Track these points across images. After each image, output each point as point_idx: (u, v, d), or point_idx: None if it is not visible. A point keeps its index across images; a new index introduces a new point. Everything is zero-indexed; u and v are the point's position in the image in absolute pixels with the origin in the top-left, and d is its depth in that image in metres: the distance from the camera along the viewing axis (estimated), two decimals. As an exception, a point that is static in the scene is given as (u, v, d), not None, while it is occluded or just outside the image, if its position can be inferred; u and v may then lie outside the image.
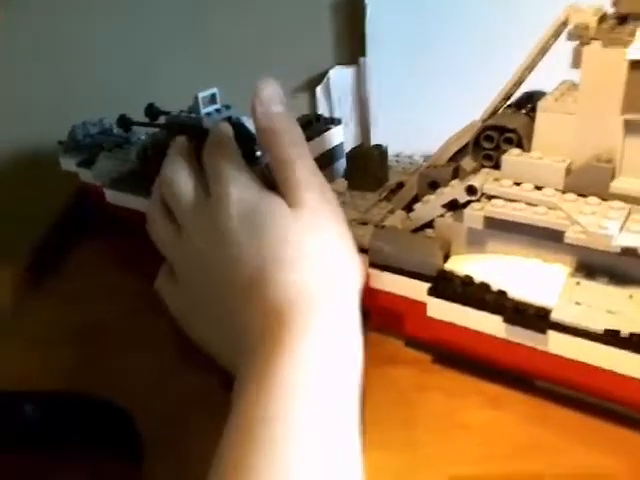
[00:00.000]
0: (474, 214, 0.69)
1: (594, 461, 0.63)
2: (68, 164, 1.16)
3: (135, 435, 0.65)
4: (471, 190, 0.70)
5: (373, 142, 1.28)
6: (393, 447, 0.67)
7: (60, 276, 1.04)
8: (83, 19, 1.27)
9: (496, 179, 0.70)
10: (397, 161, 0.97)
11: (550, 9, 0.69)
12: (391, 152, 1.05)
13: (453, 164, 0.77)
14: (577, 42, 0.64)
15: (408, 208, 0.81)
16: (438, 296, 0.71)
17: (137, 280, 0.98)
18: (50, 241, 1.10)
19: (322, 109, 1.29)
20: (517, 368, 0.69)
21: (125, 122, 1.14)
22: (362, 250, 0.78)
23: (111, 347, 0.85)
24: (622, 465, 0.62)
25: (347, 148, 0.99)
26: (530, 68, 0.72)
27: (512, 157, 0.69)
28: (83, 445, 0.70)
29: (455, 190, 0.72)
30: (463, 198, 0.71)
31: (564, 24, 0.67)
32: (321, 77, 1.28)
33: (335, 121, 0.96)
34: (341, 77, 1.27)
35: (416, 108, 1.21)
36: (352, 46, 1.26)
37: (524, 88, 0.77)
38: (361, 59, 1.23)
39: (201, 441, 0.68)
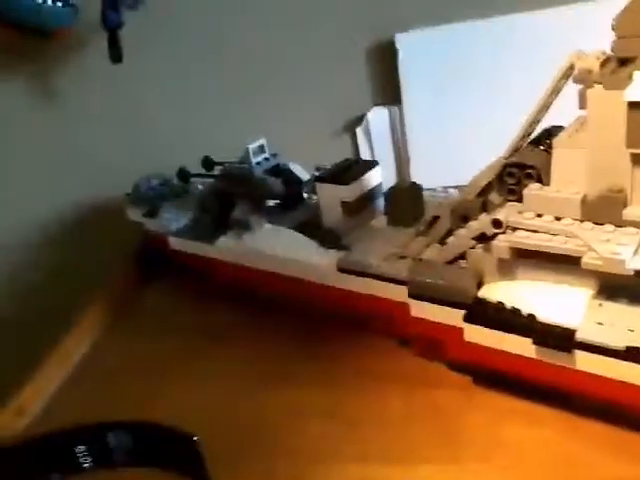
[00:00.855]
0: (501, 245, 0.76)
1: (625, 472, 0.68)
2: (134, 214, 1.28)
3: (200, 459, 0.74)
4: (497, 223, 0.77)
5: (412, 176, 1.36)
6: (441, 462, 0.73)
7: (132, 316, 1.15)
8: (144, 86, 1.40)
9: (519, 212, 0.76)
10: (433, 196, 1.04)
11: (560, 54, 0.76)
12: (427, 186, 1.12)
13: (481, 198, 0.84)
14: (582, 86, 0.70)
15: (443, 241, 0.87)
16: (474, 322, 0.78)
17: (199, 317, 1.09)
18: (122, 285, 1.21)
19: (363, 148, 1.38)
20: (548, 385, 0.74)
21: (184, 174, 1.25)
22: (401, 282, 0.86)
23: (176, 379, 0.94)
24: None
25: (387, 184, 1.07)
26: (545, 107, 0.79)
27: (533, 192, 0.75)
28: (159, 468, 0.79)
29: (483, 224, 0.79)
30: (490, 231, 0.78)
31: (571, 68, 0.74)
32: (360, 119, 1.37)
33: (373, 163, 1.04)
34: (379, 117, 1.36)
35: (448, 144, 1.28)
36: (388, 87, 1.34)
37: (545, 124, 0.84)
38: (399, 99, 1.31)
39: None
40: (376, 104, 1.36)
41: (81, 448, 0.80)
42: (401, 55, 1.27)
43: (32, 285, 1.42)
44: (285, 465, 0.76)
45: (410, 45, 1.27)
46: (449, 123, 1.31)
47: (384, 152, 1.38)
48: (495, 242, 0.76)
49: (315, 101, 1.37)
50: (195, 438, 0.74)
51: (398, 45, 1.27)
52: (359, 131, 1.37)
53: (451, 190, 1.05)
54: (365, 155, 1.38)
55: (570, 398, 0.75)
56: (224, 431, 0.82)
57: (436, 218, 0.94)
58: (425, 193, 1.04)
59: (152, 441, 0.79)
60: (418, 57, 1.27)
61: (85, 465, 0.80)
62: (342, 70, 1.36)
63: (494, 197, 0.83)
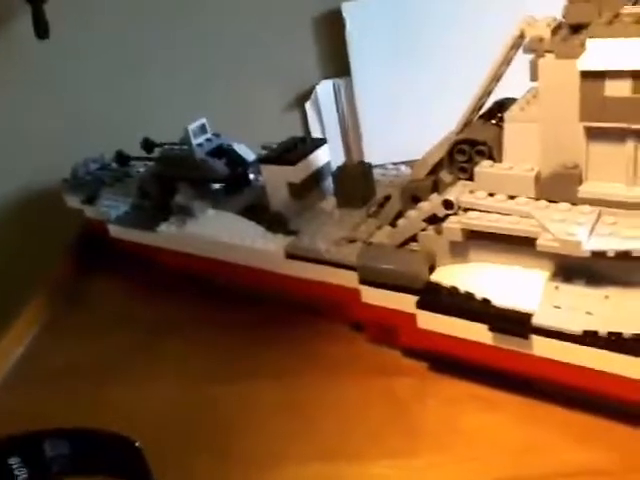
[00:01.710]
0: (452, 227, 0.72)
1: (588, 458, 0.65)
2: (73, 201, 1.21)
3: (144, 464, 0.69)
4: (448, 204, 0.73)
5: (365, 151, 1.31)
6: (397, 457, 0.70)
7: (73, 310, 1.08)
8: (78, 63, 1.31)
9: (471, 191, 0.72)
10: (384, 174, 0.99)
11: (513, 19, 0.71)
12: (380, 160, 1.08)
13: (432, 177, 0.79)
14: (533, 55, 0.66)
15: (394, 223, 0.83)
16: (426, 308, 0.74)
17: (145, 311, 1.04)
18: (62, 279, 1.15)
19: (313, 123, 1.32)
20: (506, 371, 0.71)
21: (122, 157, 1.19)
22: (351, 268, 0.82)
23: (122, 378, 0.88)
24: (614, 458, 0.65)
25: (338, 160, 1.02)
26: (495, 79, 0.75)
27: (484, 169, 0.71)
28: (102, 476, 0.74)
29: (434, 205, 0.75)
30: (441, 212, 0.74)
31: (521, 36, 0.69)
32: (309, 93, 1.31)
33: (321, 141, 0.99)
34: (329, 91, 1.30)
35: (401, 117, 1.23)
36: (337, 59, 1.28)
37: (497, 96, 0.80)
38: (348, 71, 1.26)
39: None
40: (325, 77, 1.30)
41: (15, 460, 0.74)
42: (348, 25, 1.22)
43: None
44: (239, 467, 0.72)
45: (358, 14, 1.21)
46: (401, 95, 1.26)
47: (335, 127, 1.33)
48: (446, 224, 0.73)
49: (260, 76, 1.30)
50: (137, 444, 0.69)
51: (345, 14, 1.21)
52: (308, 106, 1.31)
53: (403, 167, 1.01)
54: (315, 131, 1.33)
55: (529, 383, 0.72)
56: (174, 433, 0.77)
57: (387, 198, 0.90)
58: (376, 171, 0.99)
59: (92, 448, 0.73)
60: (366, 27, 1.21)
61: (20, 478, 0.75)
62: (288, 42, 1.29)
63: (445, 175, 0.79)
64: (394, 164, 1.05)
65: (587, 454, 0.66)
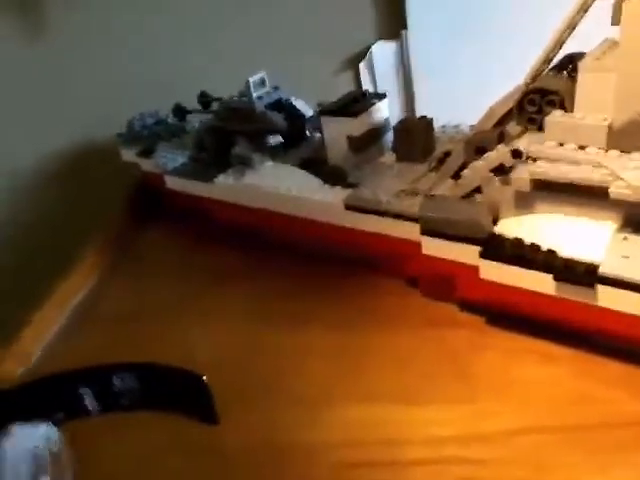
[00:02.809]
0: (521, 177, 0.72)
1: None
2: (128, 155, 1.23)
3: (209, 398, 0.71)
4: (516, 153, 0.72)
5: (418, 114, 1.30)
6: (448, 402, 0.71)
7: (132, 259, 1.11)
8: (134, 16, 1.32)
9: (540, 141, 0.72)
10: (444, 131, 0.99)
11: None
12: (437, 123, 1.07)
13: (499, 129, 0.79)
14: None
15: (456, 176, 0.83)
16: (490, 258, 0.74)
17: (201, 259, 1.06)
18: (120, 228, 1.17)
19: (366, 84, 1.32)
20: (570, 324, 0.71)
21: (180, 111, 1.20)
22: (413, 219, 0.82)
23: (180, 321, 0.91)
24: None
25: (393, 121, 1.01)
26: (570, 28, 0.73)
27: (555, 119, 0.71)
28: (166, 410, 0.77)
29: (501, 154, 0.74)
30: (509, 162, 0.73)
31: (601, -18, 0.68)
32: (364, 53, 1.30)
33: (380, 96, 0.98)
34: (384, 52, 1.29)
35: (458, 79, 1.22)
36: (393, 20, 1.27)
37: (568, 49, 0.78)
38: (403, 32, 1.25)
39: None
40: (381, 38, 1.29)
41: (85, 390, 0.77)
42: (407, -16, 1.20)
43: (29, 227, 1.37)
44: (290, 407, 0.74)
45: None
46: (458, 60, 1.25)
47: (390, 89, 1.32)
48: (514, 174, 0.72)
49: (315, 35, 1.30)
50: (203, 377, 0.71)
51: (404, -28, 1.20)
52: (362, 67, 1.31)
53: (463, 126, 1.00)
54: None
55: (587, 337, 0.72)
56: (230, 372, 0.79)
57: (447, 154, 0.89)
58: (436, 128, 0.99)
59: (158, 382, 0.76)
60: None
61: (90, 407, 0.78)
62: (343, 3, 1.28)
63: (512, 128, 0.78)
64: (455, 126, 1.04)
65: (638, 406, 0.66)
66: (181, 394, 0.74)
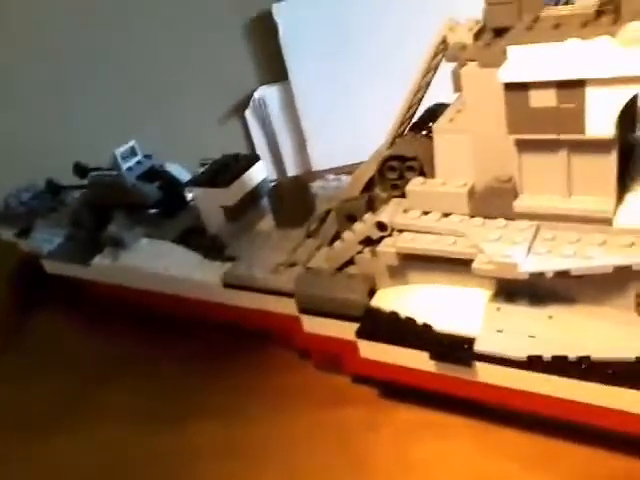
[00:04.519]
0: (387, 251, 0.68)
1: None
2: (6, 234, 1.15)
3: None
4: (381, 226, 0.68)
5: (310, 155, 1.27)
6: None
7: (13, 354, 1.02)
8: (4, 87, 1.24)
9: (405, 210, 0.68)
10: (324, 187, 0.95)
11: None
12: (327, 165, 1.03)
13: (366, 195, 0.75)
14: (455, 64, 0.62)
15: (332, 244, 0.79)
16: (366, 337, 0.70)
17: (85, 351, 0.98)
18: (2, 311, 1.09)
19: (254, 131, 1.27)
20: (453, 398, 0.67)
21: (53, 187, 1.13)
22: (291, 295, 0.77)
23: (56, 431, 0.83)
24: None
25: (282, 169, 0.97)
26: (421, 88, 0.70)
27: (415, 187, 0.67)
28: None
29: (367, 227, 0.70)
30: (375, 235, 0.69)
31: (443, 42, 0.65)
32: (248, 100, 1.25)
33: (254, 158, 0.94)
34: (268, 97, 1.25)
35: (344, 118, 1.19)
36: (273, 63, 1.23)
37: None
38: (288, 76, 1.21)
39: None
40: (263, 83, 1.24)
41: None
42: (281, 27, 1.16)
43: None
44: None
45: (289, 15, 1.15)
46: (343, 96, 1.21)
47: (279, 133, 1.28)
48: (380, 247, 0.68)
49: (195, 88, 1.24)
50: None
51: (276, 16, 1.15)
52: (248, 114, 1.26)
53: (344, 177, 0.96)
54: (258, 138, 1.27)
55: (482, 406, 0.68)
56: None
57: (328, 212, 0.85)
58: (315, 184, 0.95)
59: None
60: (299, 27, 1.16)
61: None
62: (221, 50, 1.24)
63: (380, 192, 0.74)
64: (336, 174, 1.00)
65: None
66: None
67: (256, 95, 1.24)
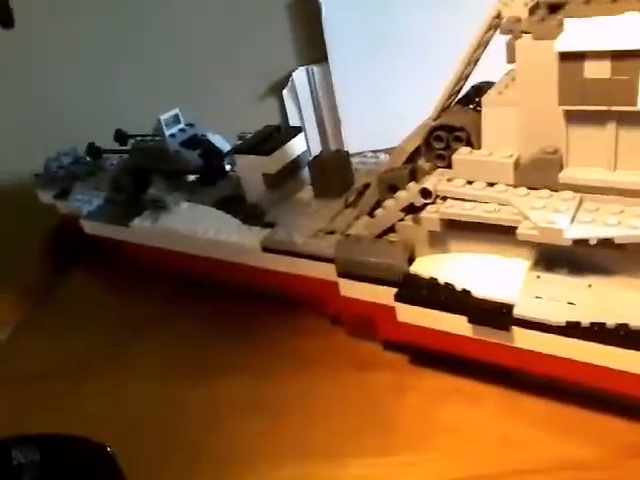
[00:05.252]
0: (430, 217, 0.70)
1: (568, 451, 0.63)
2: (45, 197, 1.18)
3: (117, 470, 0.66)
4: (425, 193, 0.70)
5: (344, 138, 1.29)
6: (373, 455, 0.68)
7: (51, 310, 1.05)
8: (46, 54, 1.26)
9: (449, 179, 0.70)
10: (363, 162, 0.97)
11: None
12: (360, 148, 1.05)
13: (410, 165, 0.77)
14: (510, 36, 0.63)
15: (372, 213, 0.81)
16: (405, 301, 0.72)
17: (119, 309, 1.01)
18: (35, 276, 1.11)
19: (291, 111, 1.29)
20: (488, 364, 0.69)
21: (94, 150, 1.15)
22: (329, 260, 0.79)
23: (93, 381, 0.86)
24: (595, 451, 0.63)
25: (318, 147, 0.99)
26: (471, 63, 0.72)
27: (462, 156, 0.69)
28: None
29: (411, 194, 0.72)
30: (419, 202, 0.71)
31: (498, 17, 0.67)
32: (286, 80, 1.27)
33: (296, 130, 0.96)
34: (306, 78, 1.27)
35: (381, 103, 1.20)
36: (314, 46, 1.25)
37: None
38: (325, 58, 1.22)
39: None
40: (302, 64, 1.26)
41: (-18, 467, 0.72)
42: (324, 9, 1.18)
43: None
44: (211, 469, 0.70)
45: (333, -1, 1.17)
46: (381, 80, 1.23)
47: (313, 114, 1.30)
48: (424, 214, 0.70)
49: (236, 65, 1.27)
50: (109, 449, 0.67)
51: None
52: (286, 93, 1.28)
53: (382, 155, 0.98)
54: (293, 118, 1.29)
55: (511, 374, 0.70)
56: (147, 434, 0.75)
57: (367, 186, 0.87)
58: (355, 160, 0.97)
59: (62, 455, 0.71)
60: (343, 10, 1.18)
61: (-10, 486, 0.72)
62: (263, 30, 1.26)
63: (424, 163, 0.76)
64: (373, 152, 1.02)
65: (567, 447, 0.64)
66: (87, 467, 0.69)
67: (294, 75, 1.26)
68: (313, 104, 1.28)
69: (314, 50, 1.24)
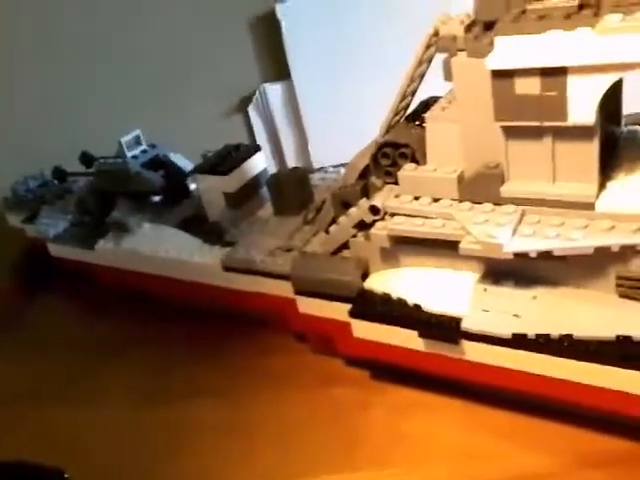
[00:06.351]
0: (379, 234, 0.70)
1: (529, 461, 0.64)
2: (14, 220, 1.19)
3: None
4: (374, 210, 0.71)
5: (311, 153, 1.29)
6: (339, 470, 0.69)
7: (17, 334, 1.05)
8: (12, 80, 1.27)
9: (397, 196, 0.71)
10: (323, 178, 0.98)
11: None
12: (327, 162, 1.06)
13: (362, 182, 0.78)
14: (446, 54, 0.65)
15: (328, 230, 0.81)
16: (359, 317, 0.73)
17: (86, 332, 1.01)
18: (5, 299, 1.12)
19: (257, 127, 1.30)
20: (442, 377, 0.70)
21: (60, 173, 1.16)
22: (287, 277, 0.80)
23: (56, 406, 0.86)
24: (555, 461, 0.64)
25: (284, 165, 0.99)
26: (415, 79, 0.73)
27: (407, 173, 0.70)
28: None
29: (361, 211, 0.73)
30: (369, 218, 0.72)
31: (436, 35, 0.68)
32: (251, 97, 1.28)
33: (255, 148, 0.97)
34: (271, 94, 1.28)
35: (346, 117, 1.21)
36: (276, 62, 1.26)
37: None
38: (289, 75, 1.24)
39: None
40: (266, 81, 1.27)
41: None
42: (284, 26, 1.19)
43: None
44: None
45: (293, 14, 1.18)
46: (343, 95, 1.24)
47: (281, 131, 1.31)
48: (373, 230, 0.71)
49: (200, 83, 1.28)
50: (65, 475, 0.67)
51: (280, 15, 1.18)
52: (251, 110, 1.29)
53: (343, 170, 0.99)
54: (260, 135, 1.30)
55: (470, 387, 0.71)
56: (108, 462, 0.75)
57: (324, 203, 0.88)
58: (315, 176, 0.98)
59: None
60: (303, 26, 1.19)
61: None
62: (226, 47, 1.26)
63: (376, 179, 0.77)
64: (334, 167, 1.03)
65: (527, 458, 0.65)
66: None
67: (258, 93, 1.27)
68: (277, 121, 1.28)
69: (278, 67, 1.25)
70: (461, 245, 0.64)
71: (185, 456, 0.75)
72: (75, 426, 0.82)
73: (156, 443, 0.77)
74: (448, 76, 0.65)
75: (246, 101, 1.29)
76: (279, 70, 1.25)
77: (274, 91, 1.27)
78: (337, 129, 1.24)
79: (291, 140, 1.32)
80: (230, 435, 0.76)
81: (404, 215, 0.69)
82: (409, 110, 0.77)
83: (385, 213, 0.71)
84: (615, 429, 0.63)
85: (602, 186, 0.62)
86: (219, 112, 1.29)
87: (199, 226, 0.95)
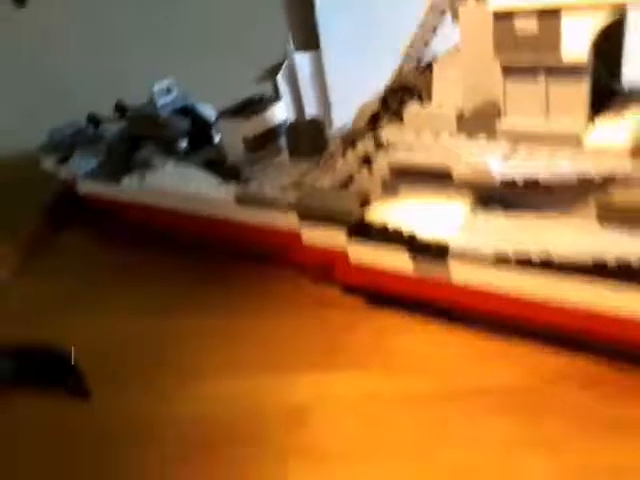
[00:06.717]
0: (381, 166, 0.76)
1: (508, 377, 0.69)
2: (48, 163, 1.26)
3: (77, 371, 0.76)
4: (378, 143, 0.76)
5: (334, 120, 1.35)
6: (321, 369, 0.75)
7: (40, 259, 1.13)
8: (50, 30, 1.36)
9: (400, 130, 0.76)
10: (340, 130, 1.03)
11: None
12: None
13: (370, 126, 0.83)
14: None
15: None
16: (357, 242, 0.78)
17: (105, 257, 1.10)
18: (35, 231, 1.19)
19: (285, 95, 1.36)
20: (430, 301, 0.75)
21: (94, 120, 1.23)
22: (293, 210, 0.85)
23: (81, 312, 0.94)
24: (524, 378, 0.68)
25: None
26: (429, 29, 0.78)
27: (412, 109, 0.75)
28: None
29: (366, 145, 0.78)
30: (373, 152, 0.77)
31: (447, -17, 0.73)
32: (281, 64, 1.34)
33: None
34: (300, 64, 1.33)
35: (369, 86, 1.26)
36: (308, 31, 1.32)
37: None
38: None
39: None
40: (297, 49, 1.33)
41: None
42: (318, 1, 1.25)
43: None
44: (166, 379, 0.78)
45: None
46: (372, 68, 1.29)
47: (307, 99, 1.36)
48: (376, 163, 0.76)
49: (234, 48, 1.34)
50: (71, 351, 0.77)
51: (314, -15, 1.25)
52: (280, 78, 1.34)
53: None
54: (288, 103, 1.36)
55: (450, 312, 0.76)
56: (107, 357, 0.83)
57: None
58: (334, 129, 1.03)
59: (30, 360, 0.79)
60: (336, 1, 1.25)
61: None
62: (260, 15, 1.33)
63: (384, 122, 0.82)
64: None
65: (506, 375, 0.69)
66: (52, 370, 0.76)
67: (289, 61, 1.33)
68: (307, 90, 1.34)
69: (309, 36, 1.31)
70: (454, 173, 0.69)
71: (181, 353, 0.82)
72: (86, 333, 0.88)
73: (157, 342, 0.85)
74: (456, 19, 0.70)
75: (276, 69, 1.34)
76: (312, 40, 1.31)
77: (303, 60, 1.33)
78: (359, 98, 1.30)
79: (316, 110, 1.37)
80: (224, 338, 0.83)
81: (405, 148, 0.75)
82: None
83: (388, 147, 0.76)
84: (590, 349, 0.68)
85: (592, 123, 0.67)
86: (250, 78, 1.36)
87: (218, 168, 1.01)
